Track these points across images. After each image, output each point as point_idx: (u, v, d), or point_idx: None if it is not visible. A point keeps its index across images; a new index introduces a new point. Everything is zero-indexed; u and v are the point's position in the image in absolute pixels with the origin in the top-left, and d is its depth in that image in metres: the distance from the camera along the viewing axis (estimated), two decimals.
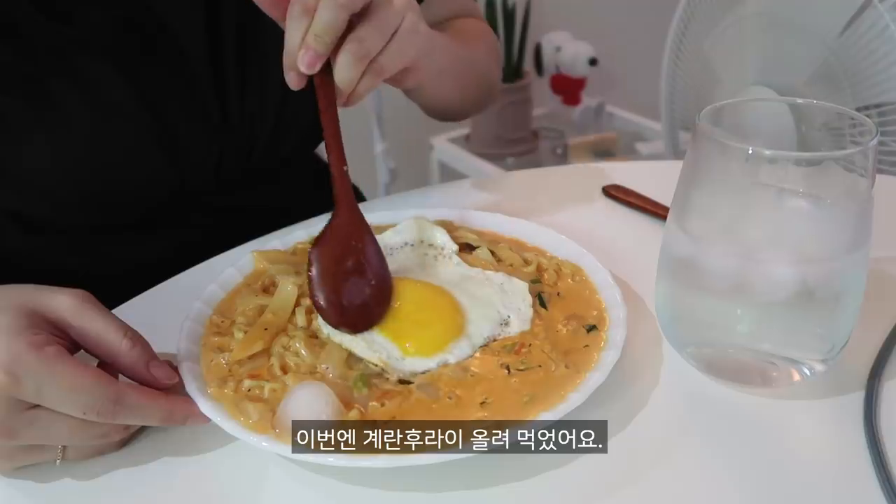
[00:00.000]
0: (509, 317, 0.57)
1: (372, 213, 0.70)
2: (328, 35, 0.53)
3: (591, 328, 0.57)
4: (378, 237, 0.65)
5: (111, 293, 0.62)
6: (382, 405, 0.51)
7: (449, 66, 0.74)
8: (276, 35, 0.76)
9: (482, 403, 0.51)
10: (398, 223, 0.66)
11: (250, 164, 0.77)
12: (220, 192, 0.77)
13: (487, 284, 0.60)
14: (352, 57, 0.54)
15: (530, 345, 0.55)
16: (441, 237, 0.64)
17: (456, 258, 0.63)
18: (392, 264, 0.60)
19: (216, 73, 0.72)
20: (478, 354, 0.55)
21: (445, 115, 0.90)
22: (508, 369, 0.53)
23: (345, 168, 0.57)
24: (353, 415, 0.50)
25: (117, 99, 0.67)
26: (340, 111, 0.83)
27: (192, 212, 0.77)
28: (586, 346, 0.55)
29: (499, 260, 0.64)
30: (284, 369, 0.54)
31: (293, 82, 0.55)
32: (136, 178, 0.70)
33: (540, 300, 0.60)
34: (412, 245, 0.64)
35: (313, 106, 0.56)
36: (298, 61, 0.53)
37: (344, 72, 0.54)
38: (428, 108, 0.87)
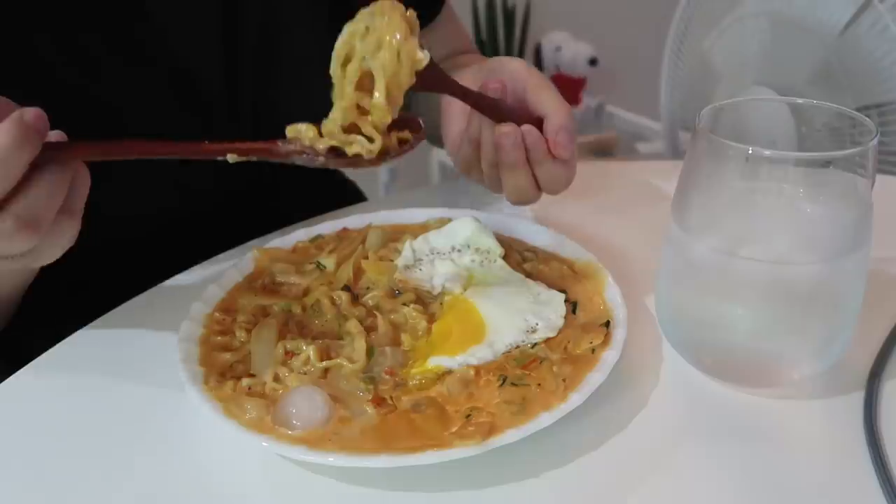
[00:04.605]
0: (537, 324, 0.56)
1: (372, 214, 0.71)
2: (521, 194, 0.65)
3: (606, 323, 0.56)
4: (422, 237, 0.64)
5: (106, 298, 0.62)
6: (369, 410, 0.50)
7: None
8: (292, 76, 0.74)
9: (468, 417, 0.49)
10: (435, 218, 0.67)
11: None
12: (222, 204, 0.76)
13: (524, 293, 0.59)
14: (514, 195, 0.65)
15: (541, 361, 0.53)
16: (488, 241, 0.63)
17: (500, 262, 0.62)
18: (430, 268, 0.61)
19: (231, 110, 0.72)
20: (483, 366, 0.53)
21: None
22: (504, 381, 0.52)
23: None
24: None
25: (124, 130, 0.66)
26: None
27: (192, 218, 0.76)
28: (594, 349, 0.54)
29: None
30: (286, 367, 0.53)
31: None
32: (141, 209, 0.70)
33: (573, 308, 0.58)
34: (459, 250, 0.63)
35: None
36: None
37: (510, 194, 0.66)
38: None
